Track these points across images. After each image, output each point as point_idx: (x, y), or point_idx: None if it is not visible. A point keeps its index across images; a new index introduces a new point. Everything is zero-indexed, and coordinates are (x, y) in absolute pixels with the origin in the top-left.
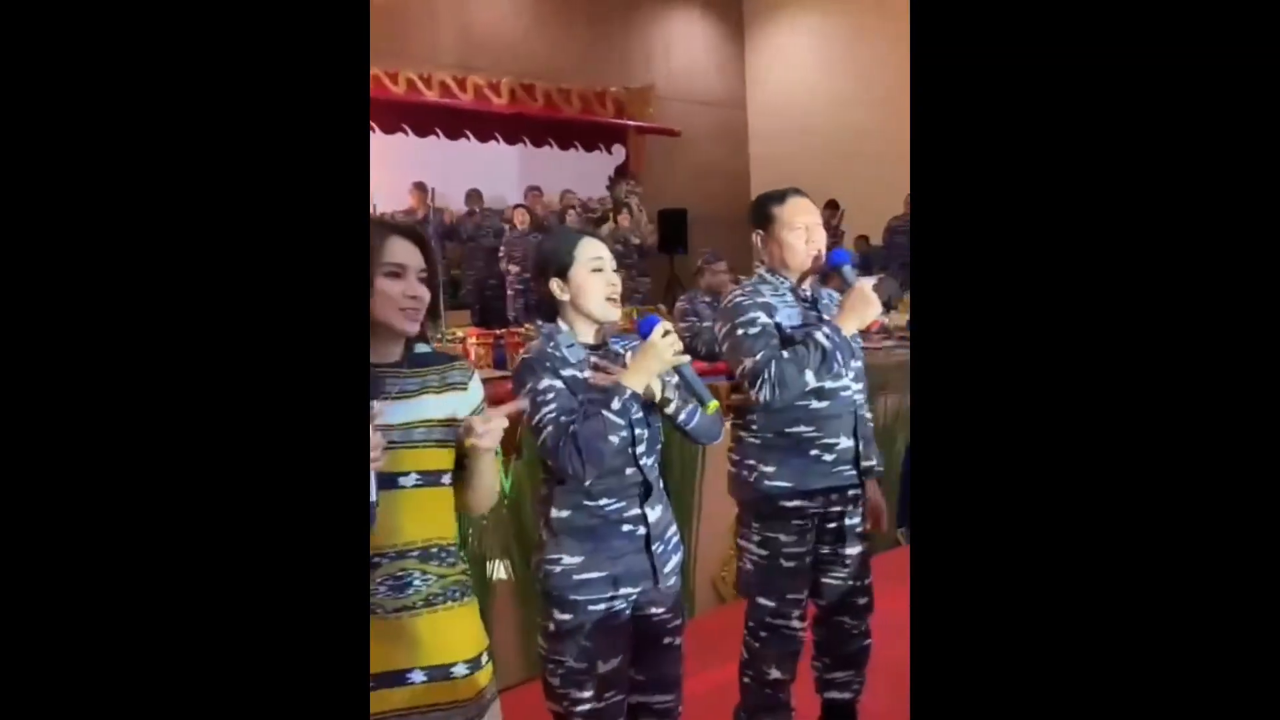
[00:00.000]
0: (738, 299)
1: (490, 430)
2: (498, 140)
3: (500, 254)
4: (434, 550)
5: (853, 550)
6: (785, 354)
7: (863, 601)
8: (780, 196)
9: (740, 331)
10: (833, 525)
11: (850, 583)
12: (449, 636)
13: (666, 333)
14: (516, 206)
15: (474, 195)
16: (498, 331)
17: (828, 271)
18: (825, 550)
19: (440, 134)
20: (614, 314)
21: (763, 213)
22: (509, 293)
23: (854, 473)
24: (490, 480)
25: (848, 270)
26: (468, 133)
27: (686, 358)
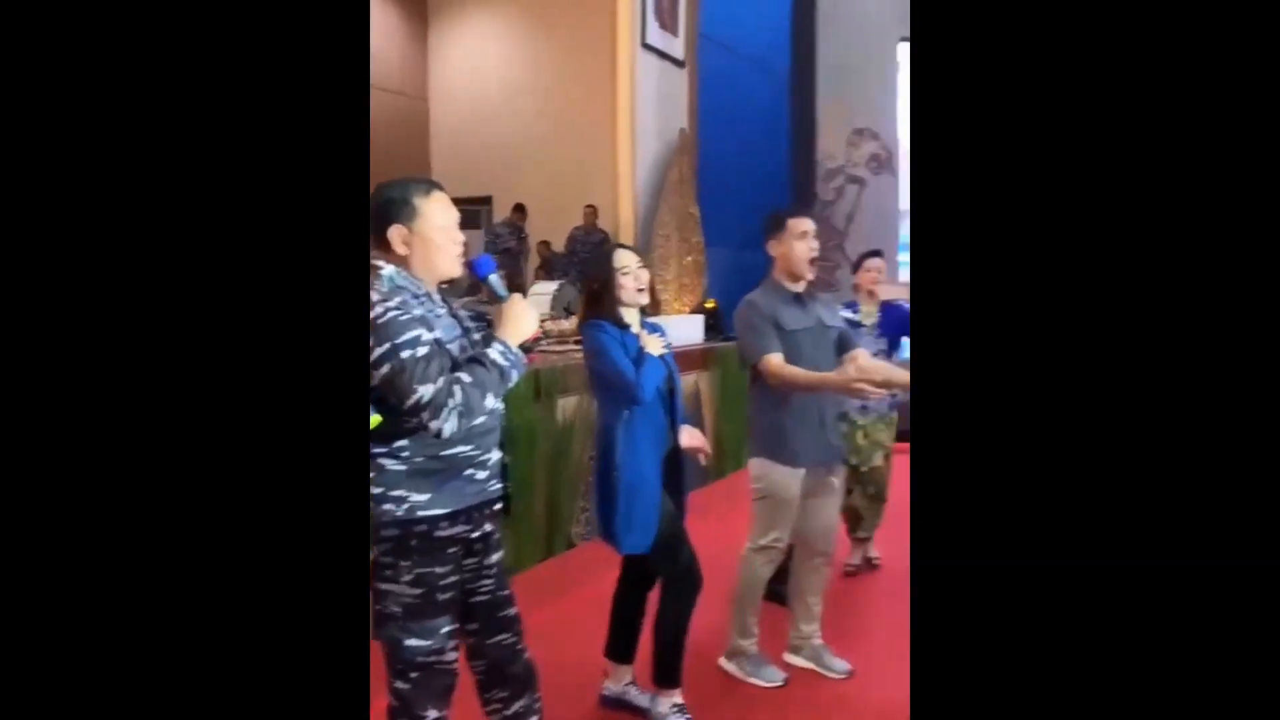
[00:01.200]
0: (391, 313)
1: None
2: None
3: None
4: None
5: (495, 557)
6: (465, 377)
7: (514, 611)
8: (423, 187)
9: (406, 354)
10: (477, 539)
11: (499, 592)
12: None
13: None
14: None
15: None
16: None
17: (472, 280)
18: (470, 563)
19: None
20: None
21: (405, 204)
22: None
23: (500, 485)
24: None
25: (495, 280)
26: None
27: None
